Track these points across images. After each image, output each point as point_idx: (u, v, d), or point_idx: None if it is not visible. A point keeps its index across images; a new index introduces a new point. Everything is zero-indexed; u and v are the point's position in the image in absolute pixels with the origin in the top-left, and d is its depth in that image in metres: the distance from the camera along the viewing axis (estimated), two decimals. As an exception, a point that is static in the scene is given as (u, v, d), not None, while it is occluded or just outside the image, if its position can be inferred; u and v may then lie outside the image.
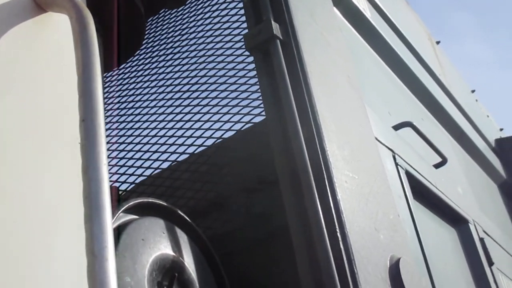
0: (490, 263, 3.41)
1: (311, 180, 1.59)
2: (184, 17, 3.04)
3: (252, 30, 1.87)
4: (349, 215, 1.62)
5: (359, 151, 1.92)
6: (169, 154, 2.68)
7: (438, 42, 5.15)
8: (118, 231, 1.79)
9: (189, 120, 2.67)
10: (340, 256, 1.51)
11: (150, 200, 2.03)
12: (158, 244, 1.87)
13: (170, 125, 2.71)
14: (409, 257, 1.84)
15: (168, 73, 2.93)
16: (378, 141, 2.62)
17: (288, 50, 1.83)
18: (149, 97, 2.96)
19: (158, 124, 2.76)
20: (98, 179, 1.04)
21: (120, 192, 2.66)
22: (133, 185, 2.74)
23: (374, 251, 1.66)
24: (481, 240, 3.48)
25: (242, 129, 2.36)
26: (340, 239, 1.53)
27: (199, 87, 2.62)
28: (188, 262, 1.94)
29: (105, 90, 3.11)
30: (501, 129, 6.26)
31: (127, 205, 1.88)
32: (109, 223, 1.04)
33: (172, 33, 2.98)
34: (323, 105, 1.78)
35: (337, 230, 1.55)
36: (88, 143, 1.07)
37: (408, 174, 2.82)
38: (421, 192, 2.99)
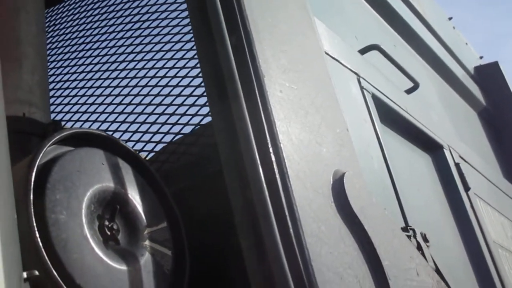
0: (467, 188, 3.34)
1: (238, 90, 1.46)
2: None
3: None
4: (284, 126, 1.50)
5: (300, 62, 1.79)
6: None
7: (411, -32, 4.97)
8: (51, 164, 1.67)
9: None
10: (271, 170, 1.39)
11: (86, 129, 1.91)
12: (97, 176, 1.75)
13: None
14: (357, 173, 1.72)
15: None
16: (341, 64, 2.51)
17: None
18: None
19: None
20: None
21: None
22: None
23: (314, 165, 1.54)
24: (457, 165, 3.40)
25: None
26: (271, 151, 1.42)
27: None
28: (133, 194, 1.83)
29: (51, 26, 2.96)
30: (481, 57, 6.12)
31: (59, 136, 1.75)
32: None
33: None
34: (255, 12, 1.63)
35: (268, 141, 1.43)
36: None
37: (375, 98, 2.72)
38: (391, 117, 2.89)
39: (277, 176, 1.39)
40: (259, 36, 1.59)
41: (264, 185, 1.36)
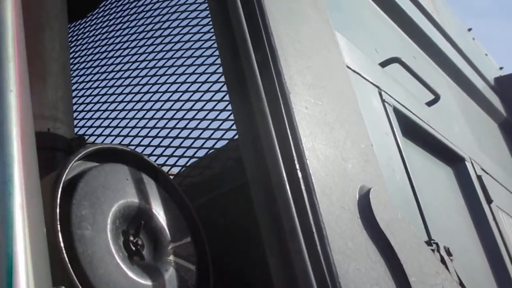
0: (489, 201, 3.32)
1: (264, 107, 1.46)
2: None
3: None
4: (309, 142, 1.50)
5: (324, 77, 1.79)
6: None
7: (430, -21, 4.96)
8: (76, 179, 1.68)
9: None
10: (297, 186, 1.39)
11: (111, 145, 1.92)
12: (121, 191, 1.76)
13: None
14: (383, 188, 1.72)
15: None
16: (362, 77, 2.51)
17: (239, -30, 1.69)
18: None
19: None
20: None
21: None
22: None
23: (340, 181, 1.54)
24: (479, 178, 3.38)
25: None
26: (298, 167, 1.42)
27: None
28: (157, 209, 1.83)
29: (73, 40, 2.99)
30: (501, 68, 6.08)
31: (84, 152, 1.76)
32: (13, 153, 0.92)
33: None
34: (280, 28, 1.64)
35: (295, 158, 1.43)
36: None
37: (396, 110, 2.71)
38: (412, 130, 2.88)
39: (304, 192, 1.39)
40: (284, 52, 1.60)
41: (291, 202, 1.36)
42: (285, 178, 1.40)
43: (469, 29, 5.65)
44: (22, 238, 0.88)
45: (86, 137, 2.64)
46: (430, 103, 3.29)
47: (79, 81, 2.89)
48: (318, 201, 1.39)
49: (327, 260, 1.32)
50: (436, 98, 3.30)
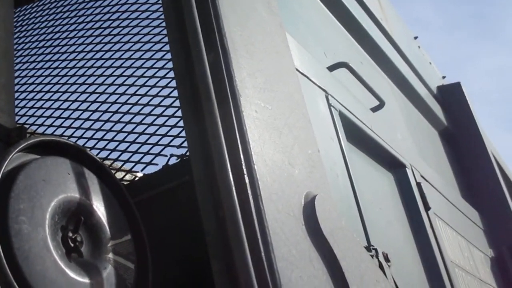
0: (427, 208, 3.38)
1: (214, 109, 1.45)
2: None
3: None
4: (258, 147, 1.49)
5: (275, 81, 1.78)
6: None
7: (380, -14, 5.02)
8: (16, 172, 1.63)
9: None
10: (244, 191, 1.38)
11: (54, 138, 1.87)
12: (62, 185, 1.71)
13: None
14: (328, 195, 1.72)
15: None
16: (310, 80, 2.51)
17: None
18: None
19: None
20: None
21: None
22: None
23: (287, 187, 1.54)
24: (418, 184, 3.44)
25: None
26: (245, 172, 1.40)
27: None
28: (97, 205, 1.79)
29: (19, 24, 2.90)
30: (444, 77, 6.21)
31: (25, 143, 1.71)
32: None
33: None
34: (233, 29, 1.63)
35: (242, 162, 1.42)
36: None
37: (342, 115, 2.73)
38: (356, 135, 2.91)
39: (251, 198, 1.38)
40: (236, 54, 1.58)
41: (237, 207, 1.35)
42: (232, 183, 1.39)
43: (415, 37, 5.75)
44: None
45: (27, 126, 2.56)
46: (375, 109, 3.33)
47: (22, 68, 2.81)
48: (264, 207, 1.38)
49: (271, 267, 1.31)
50: (381, 104, 3.35)
